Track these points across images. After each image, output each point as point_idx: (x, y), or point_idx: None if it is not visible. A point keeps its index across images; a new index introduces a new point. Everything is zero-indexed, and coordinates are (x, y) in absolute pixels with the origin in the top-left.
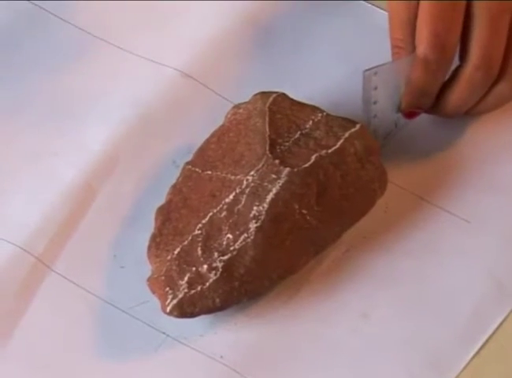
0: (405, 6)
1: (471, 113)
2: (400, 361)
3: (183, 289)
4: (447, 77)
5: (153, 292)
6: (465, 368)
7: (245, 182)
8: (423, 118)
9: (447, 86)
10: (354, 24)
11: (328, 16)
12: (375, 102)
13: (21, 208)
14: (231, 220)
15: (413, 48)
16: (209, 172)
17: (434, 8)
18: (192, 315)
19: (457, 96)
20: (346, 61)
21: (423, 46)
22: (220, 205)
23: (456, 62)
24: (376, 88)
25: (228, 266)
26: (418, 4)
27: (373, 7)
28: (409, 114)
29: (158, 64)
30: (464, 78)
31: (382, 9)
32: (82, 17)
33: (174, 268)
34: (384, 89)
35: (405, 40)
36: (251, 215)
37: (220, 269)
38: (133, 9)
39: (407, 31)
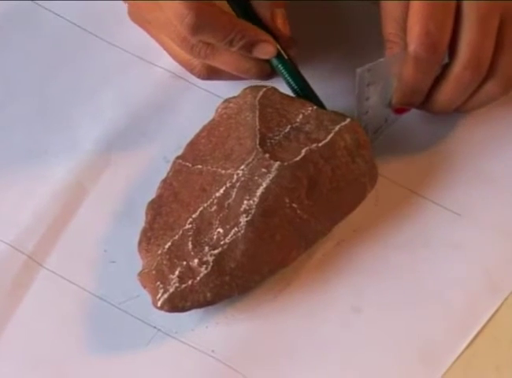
0: (398, 3)
1: (460, 110)
2: (391, 355)
3: (174, 283)
4: (437, 74)
5: (144, 287)
6: (456, 360)
7: (235, 176)
8: (414, 113)
9: (436, 83)
10: (345, 19)
11: (321, 13)
12: (367, 99)
13: (11, 206)
14: (221, 215)
15: (405, 43)
16: (200, 167)
17: (425, 7)
18: (183, 309)
19: (446, 94)
20: (336, 55)
21: (414, 45)
22: (211, 200)
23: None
24: (368, 85)
25: (219, 260)
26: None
27: (367, 3)
28: (400, 110)
29: (149, 63)
30: (453, 76)
31: (376, 4)
32: (75, 12)
33: (165, 262)
34: (376, 85)
35: (398, 35)
36: (242, 209)
37: (211, 263)
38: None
39: (400, 26)
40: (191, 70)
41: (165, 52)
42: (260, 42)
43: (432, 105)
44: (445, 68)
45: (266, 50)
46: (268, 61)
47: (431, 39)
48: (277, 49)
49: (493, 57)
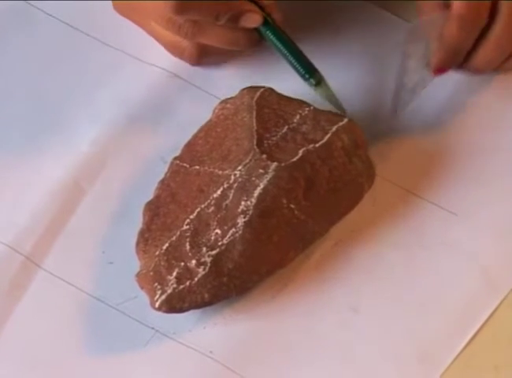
0: None
1: (498, 69)
2: (389, 354)
3: (172, 284)
4: None
5: (142, 288)
6: (455, 360)
7: (233, 177)
8: (411, 111)
9: (476, 43)
10: (341, 18)
11: (315, 13)
12: (409, 58)
13: (9, 206)
14: (219, 216)
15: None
16: (197, 167)
17: None
18: (181, 310)
19: (486, 54)
20: (332, 55)
21: (458, 6)
22: (208, 201)
23: None
24: (411, 43)
25: (217, 261)
26: None
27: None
28: (438, 71)
29: (146, 64)
30: (494, 36)
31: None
32: (71, 13)
33: (162, 263)
34: (418, 45)
35: None
36: (239, 210)
37: (209, 264)
38: None
39: None
40: (181, 54)
41: (161, 52)
42: (245, 13)
43: (471, 65)
44: (485, 28)
45: (252, 19)
46: (255, 29)
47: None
48: (263, 16)
49: None
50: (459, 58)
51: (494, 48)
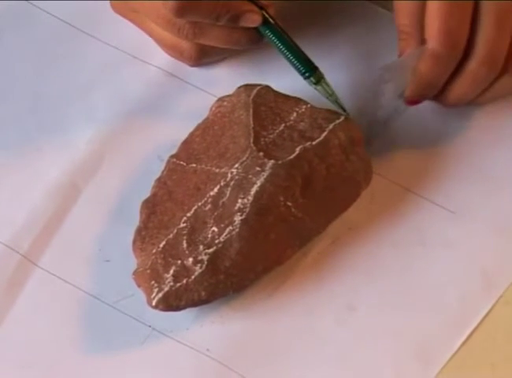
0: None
1: (473, 103)
2: (386, 353)
3: (169, 282)
4: None
5: (139, 286)
6: (451, 358)
7: (229, 175)
8: (408, 112)
9: (451, 77)
10: (340, 17)
11: (314, 12)
12: (383, 95)
13: (5, 205)
14: (216, 213)
15: (420, 34)
16: (194, 165)
17: (444, 5)
18: (178, 308)
19: (461, 88)
20: (329, 53)
21: (434, 42)
22: (205, 198)
23: None
24: (386, 82)
25: (214, 259)
26: None
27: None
28: (412, 102)
29: (143, 62)
30: (469, 72)
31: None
32: (67, 11)
33: (159, 261)
34: (393, 82)
35: (412, 26)
36: (236, 208)
37: (206, 262)
38: None
39: (414, 18)
40: (181, 55)
41: (158, 50)
42: (245, 13)
43: (446, 98)
44: (461, 63)
45: (252, 18)
46: (255, 28)
47: (451, 36)
48: (263, 15)
49: (508, 53)
50: (433, 92)
51: (468, 83)
